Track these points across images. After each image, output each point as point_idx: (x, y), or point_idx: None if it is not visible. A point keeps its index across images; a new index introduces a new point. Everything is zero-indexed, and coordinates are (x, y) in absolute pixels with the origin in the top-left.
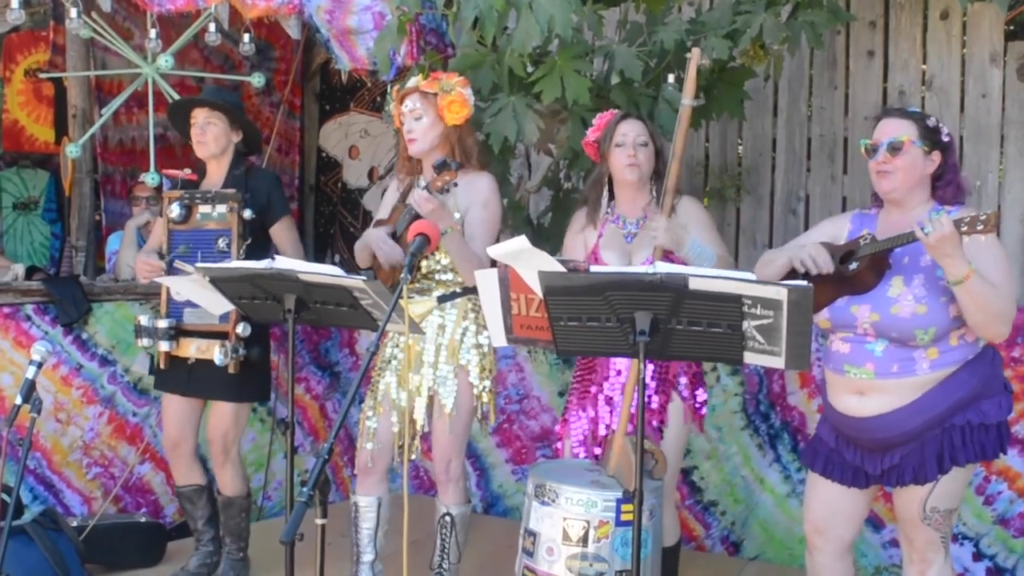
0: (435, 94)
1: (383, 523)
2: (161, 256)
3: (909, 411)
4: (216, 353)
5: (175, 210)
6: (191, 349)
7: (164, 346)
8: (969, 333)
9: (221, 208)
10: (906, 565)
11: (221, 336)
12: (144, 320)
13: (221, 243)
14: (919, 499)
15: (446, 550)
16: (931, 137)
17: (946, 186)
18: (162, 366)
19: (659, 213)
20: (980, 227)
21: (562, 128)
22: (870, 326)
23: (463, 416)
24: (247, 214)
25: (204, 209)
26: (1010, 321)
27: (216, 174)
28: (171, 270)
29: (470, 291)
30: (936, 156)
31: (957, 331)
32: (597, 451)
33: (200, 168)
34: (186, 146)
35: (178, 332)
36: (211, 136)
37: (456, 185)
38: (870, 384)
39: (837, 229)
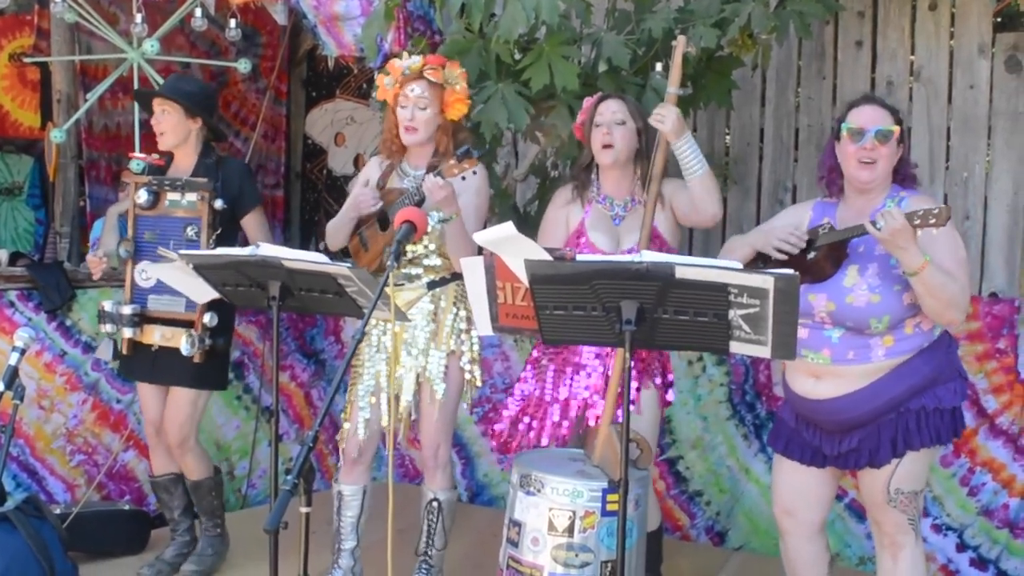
0: (441, 85)
1: (366, 511)
2: (123, 241)
3: (861, 396)
4: (183, 343)
5: (142, 196)
6: (155, 336)
7: (127, 332)
8: (925, 321)
9: (191, 196)
10: (878, 551)
11: (185, 324)
12: (108, 306)
13: (190, 231)
14: (882, 482)
15: (432, 536)
16: (900, 127)
17: (904, 172)
18: (125, 352)
19: (666, 105)
20: (932, 220)
21: (549, 115)
22: (827, 315)
23: (453, 401)
24: (218, 204)
25: (173, 196)
26: (964, 308)
27: (184, 162)
28: (137, 256)
29: (459, 276)
30: (902, 147)
31: (912, 319)
32: (563, 432)
33: (168, 154)
34: None
35: (142, 319)
36: (167, 126)
37: (475, 174)
38: (826, 369)
39: (798, 217)
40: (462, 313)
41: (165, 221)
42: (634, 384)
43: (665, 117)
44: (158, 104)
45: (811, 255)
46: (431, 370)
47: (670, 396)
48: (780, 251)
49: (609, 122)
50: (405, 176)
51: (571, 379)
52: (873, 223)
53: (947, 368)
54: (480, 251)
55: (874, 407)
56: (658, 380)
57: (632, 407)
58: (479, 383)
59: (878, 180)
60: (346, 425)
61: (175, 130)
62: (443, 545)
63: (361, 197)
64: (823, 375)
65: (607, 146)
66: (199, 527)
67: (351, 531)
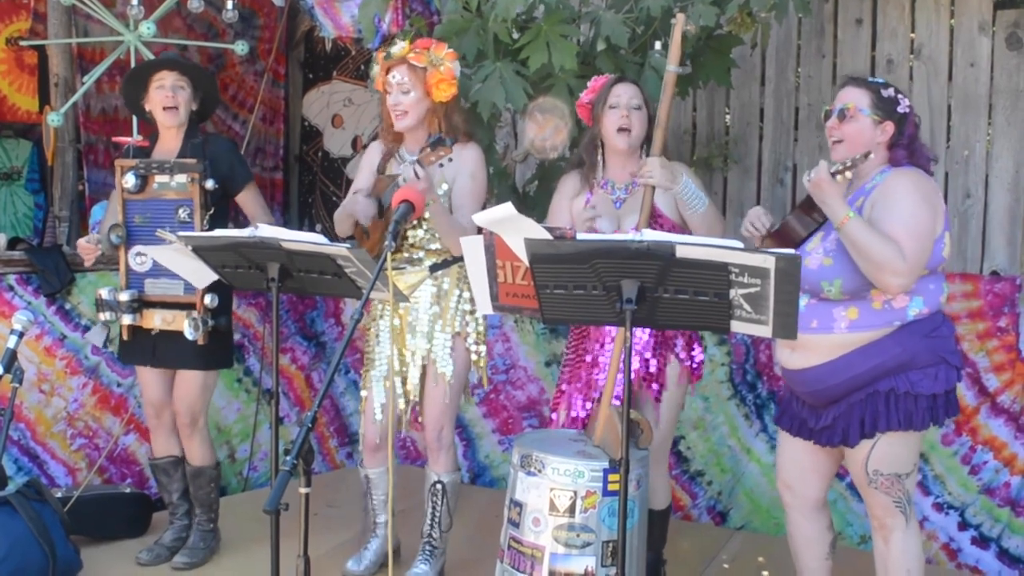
0: (424, 68)
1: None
2: (113, 227)
3: (827, 369)
4: (186, 327)
5: (130, 180)
6: (155, 320)
7: (127, 319)
8: (897, 299)
9: (181, 178)
10: (872, 533)
11: (185, 307)
12: (105, 293)
13: (182, 213)
14: (860, 462)
15: (437, 518)
16: (884, 107)
17: (898, 152)
18: (125, 338)
19: (648, 160)
20: (849, 163)
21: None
22: None
23: (459, 383)
24: (209, 184)
25: (161, 179)
26: (900, 274)
27: (171, 142)
28: (129, 241)
29: (460, 259)
30: (888, 127)
31: (881, 294)
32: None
33: (152, 135)
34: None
35: (141, 304)
36: (181, 100)
37: (451, 160)
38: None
39: None
40: (466, 294)
41: (155, 204)
42: (655, 361)
43: (652, 170)
44: (174, 79)
45: (784, 218)
46: (436, 351)
47: (700, 371)
48: (747, 232)
49: (627, 105)
50: (403, 161)
51: (591, 367)
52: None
53: (925, 353)
54: (479, 231)
55: (840, 382)
56: (682, 354)
57: (655, 384)
58: (484, 363)
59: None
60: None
61: (186, 106)
62: (448, 527)
63: (361, 208)
64: (796, 346)
65: (623, 129)
66: (194, 515)
67: (383, 507)
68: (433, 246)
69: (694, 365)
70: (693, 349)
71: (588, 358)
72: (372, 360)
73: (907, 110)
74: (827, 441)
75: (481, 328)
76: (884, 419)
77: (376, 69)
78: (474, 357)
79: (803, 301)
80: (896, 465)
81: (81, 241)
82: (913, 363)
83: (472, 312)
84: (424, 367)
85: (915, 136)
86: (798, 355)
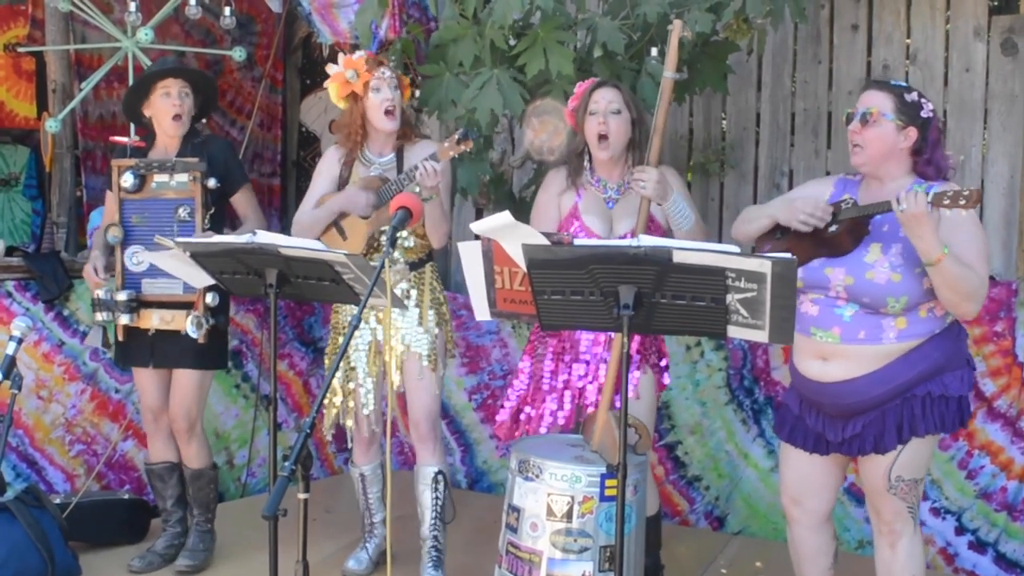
0: (395, 71)
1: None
2: (110, 227)
3: (870, 380)
4: (189, 325)
5: (128, 179)
6: (153, 320)
7: (124, 319)
8: (939, 307)
9: (181, 177)
10: (876, 539)
11: (184, 306)
12: (101, 293)
13: (182, 212)
14: (884, 468)
15: (439, 511)
16: (908, 112)
17: (926, 164)
18: (120, 339)
19: (646, 168)
20: (963, 202)
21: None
22: (843, 289)
23: (440, 375)
24: (211, 183)
25: (160, 178)
26: (981, 300)
27: (170, 144)
28: (126, 240)
29: (432, 257)
30: (912, 132)
31: (927, 304)
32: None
33: (149, 136)
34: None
35: (138, 304)
36: (187, 108)
37: (469, 152)
38: (834, 349)
39: (820, 191)
40: (437, 285)
41: (154, 204)
42: (634, 370)
43: (646, 183)
44: (180, 86)
45: (832, 228)
46: (420, 347)
47: (666, 380)
48: (806, 224)
49: (604, 111)
50: (370, 164)
51: (569, 367)
52: (899, 203)
53: (955, 356)
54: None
55: (883, 392)
56: (652, 359)
57: (631, 392)
58: (455, 355)
59: (868, 164)
60: (357, 407)
61: (189, 113)
62: (452, 517)
63: (362, 200)
64: (831, 356)
65: (603, 136)
66: (191, 519)
67: (379, 505)
68: (408, 244)
69: (662, 367)
70: (662, 358)
71: (567, 357)
72: (358, 356)
73: (930, 114)
74: (857, 451)
75: (450, 320)
76: (922, 423)
77: (350, 73)
78: (449, 347)
79: (849, 311)
80: (916, 470)
81: (88, 269)
82: (947, 367)
83: (444, 304)
84: (404, 363)
85: (938, 141)
86: (835, 366)
